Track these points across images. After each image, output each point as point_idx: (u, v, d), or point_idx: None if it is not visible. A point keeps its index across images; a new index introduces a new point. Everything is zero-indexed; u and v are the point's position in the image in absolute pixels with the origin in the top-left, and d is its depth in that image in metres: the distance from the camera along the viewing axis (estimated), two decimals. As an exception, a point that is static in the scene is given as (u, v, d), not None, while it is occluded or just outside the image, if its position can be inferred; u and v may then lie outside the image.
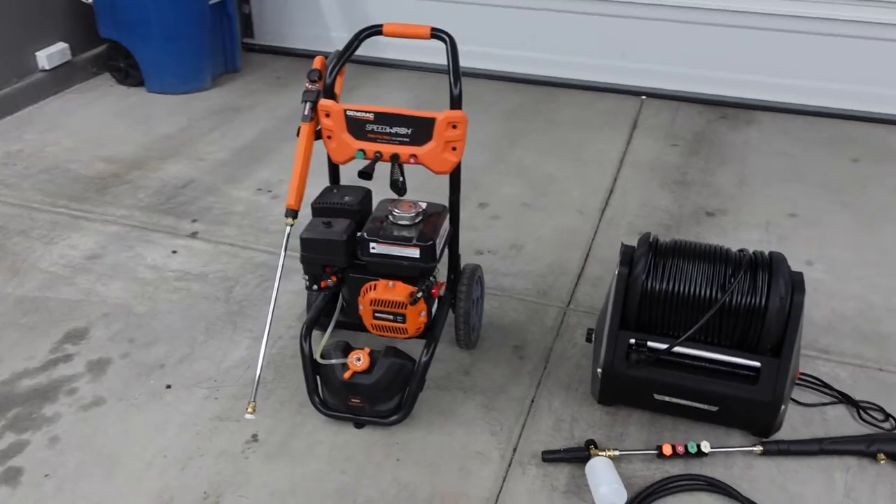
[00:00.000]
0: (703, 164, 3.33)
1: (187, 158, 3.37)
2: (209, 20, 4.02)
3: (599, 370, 1.90)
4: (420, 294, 1.86)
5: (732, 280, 1.77)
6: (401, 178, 1.98)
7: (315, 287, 1.95)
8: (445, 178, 2.00)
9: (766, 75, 3.83)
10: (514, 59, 4.16)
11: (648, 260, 1.84)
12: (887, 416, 1.98)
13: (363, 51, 4.53)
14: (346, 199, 1.98)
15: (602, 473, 1.75)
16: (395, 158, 1.94)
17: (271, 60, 4.56)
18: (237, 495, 1.77)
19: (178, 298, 2.45)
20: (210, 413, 2.00)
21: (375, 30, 2.01)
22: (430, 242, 1.84)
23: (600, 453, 1.83)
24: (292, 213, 1.93)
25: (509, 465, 1.85)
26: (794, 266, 1.84)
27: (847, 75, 3.70)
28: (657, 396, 1.90)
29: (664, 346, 1.81)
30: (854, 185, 3.15)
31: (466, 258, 2.26)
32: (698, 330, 1.78)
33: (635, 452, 1.86)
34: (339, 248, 1.87)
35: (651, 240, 1.90)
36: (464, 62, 4.49)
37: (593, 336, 2.06)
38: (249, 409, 1.85)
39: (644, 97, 4.01)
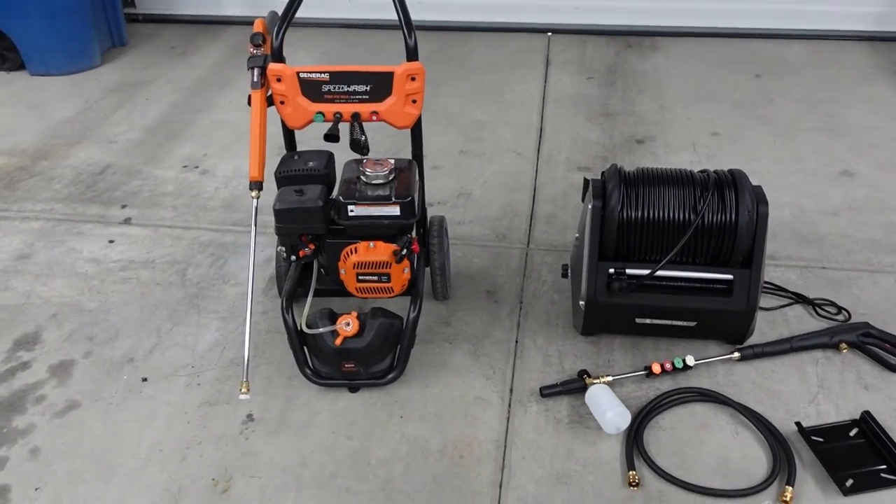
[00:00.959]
0: (622, 94, 3.42)
1: (96, 142, 3.16)
2: (90, -9, 3.75)
3: (582, 303, 1.96)
4: (404, 251, 1.85)
5: (702, 200, 1.85)
6: (363, 137, 1.93)
7: (294, 258, 1.90)
8: (391, 134, 1.98)
9: (663, 1, 3.95)
10: (420, 6, 4.08)
11: (621, 190, 1.89)
12: (840, 308, 2.14)
13: (249, 11, 4.37)
14: (311, 164, 1.93)
15: (604, 399, 1.82)
16: (356, 117, 1.90)
17: (159, 30, 4.32)
18: (248, 476, 1.74)
19: (129, 289, 2.33)
20: (197, 400, 1.94)
21: (317, -15, 1.93)
22: (410, 198, 1.82)
23: (595, 381, 1.90)
24: (257, 185, 1.86)
25: (510, 406, 1.90)
26: (750, 180, 1.95)
27: (739, -5, 3.88)
28: (638, 320, 1.98)
29: (645, 273, 1.89)
30: (763, 100, 3.33)
31: (428, 211, 2.25)
32: (676, 252, 1.86)
33: (626, 375, 1.94)
34: (317, 215, 1.82)
35: (619, 169, 1.95)
36: (366, 14, 4.42)
37: (569, 271, 2.12)
38: (244, 389, 1.80)
39: (550, 34, 4.06)
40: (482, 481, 1.71)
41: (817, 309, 2.15)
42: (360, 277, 1.89)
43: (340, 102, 1.88)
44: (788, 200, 2.63)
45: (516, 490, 1.69)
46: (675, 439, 1.79)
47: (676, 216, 1.86)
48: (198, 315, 2.22)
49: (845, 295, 2.20)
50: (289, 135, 2.04)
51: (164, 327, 2.18)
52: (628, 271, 1.92)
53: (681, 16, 3.97)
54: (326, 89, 1.87)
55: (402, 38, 1.85)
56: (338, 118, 1.88)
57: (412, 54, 1.88)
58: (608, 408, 1.79)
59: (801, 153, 2.92)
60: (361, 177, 1.86)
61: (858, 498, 1.63)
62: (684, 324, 1.97)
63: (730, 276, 1.90)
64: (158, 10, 4.41)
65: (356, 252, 1.87)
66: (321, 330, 1.85)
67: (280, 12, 2.02)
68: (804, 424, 1.78)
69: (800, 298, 2.18)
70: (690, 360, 1.95)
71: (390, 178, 1.86)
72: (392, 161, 1.91)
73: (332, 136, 1.84)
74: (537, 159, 2.94)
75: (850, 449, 1.74)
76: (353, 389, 1.94)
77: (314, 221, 1.83)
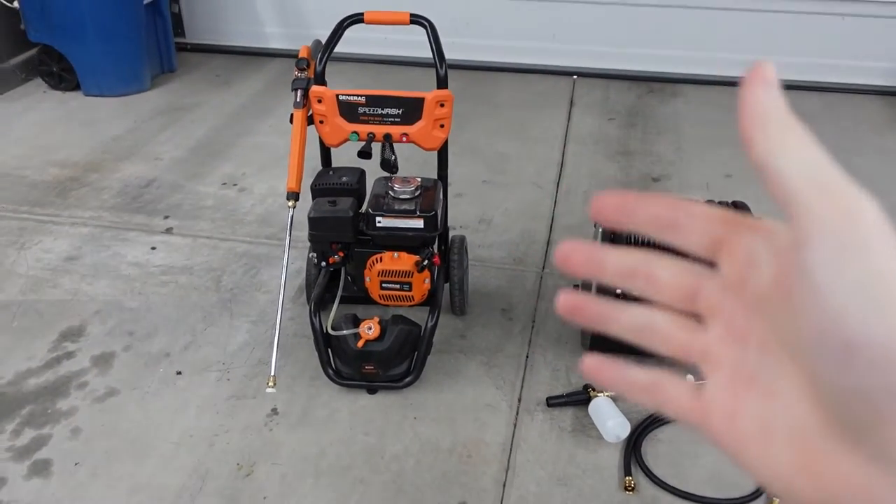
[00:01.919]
0: (642, 135, 3.58)
1: (143, 158, 3.37)
2: (144, 19, 4.00)
3: (590, 320, 2.08)
4: (425, 262, 2.00)
5: (705, 228, 1.99)
6: (393, 157, 2.10)
7: (324, 264, 2.06)
8: (421, 157, 2.14)
9: (685, 50, 4.12)
10: (450, 46, 4.29)
11: (630, 216, 2.03)
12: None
13: (291, 45, 4.60)
14: (344, 179, 2.10)
15: (606, 410, 1.94)
16: (387, 138, 2.06)
17: (206, 59, 4.56)
18: (270, 463, 1.87)
19: (167, 291, 2.50)
20: (226, 393, 2.08)
21: (357, 18, 2.11)
22: (433, 213, 1.97)
23: (599, 394, 2.01)
24: (294, 196, 2.03)
25: (517, 413, 2.02)
26: (754, 213, 2.08)
27: (757, 47, 4.04)
28: (643, 339, 2.10)
29: (649, 292, 2.01)
30: (776, 147, 3.46)
31: (450, 231, 2.41)
32: (678, 275, 1.99)
33: (629, 390, 2.05)
34: (347, 224, 1.99)
35: (629, 198, 2.09)
36: (399, 51, 4.62)
37: (581, 289, 2.25)
38: (270, 383, 1.95)
39: (576, 77, 4.24)
40: (487, 479, 1.83)
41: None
42: (384, 285, 2.04)
43: (374, 124, 2.06)
44: None
45: (519, 489, 1.80)
46: (672, 451, 1.90)
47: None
48: (230, 318, 2.37)
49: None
50: (325, 152, 2.22)
51: (198, 327, 2.33)
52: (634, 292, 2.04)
53: (702, 65, 4.13)
54: (362, 111, 2.05)
55: (434, 69, 2.03)
56: (371, 137, 2.05)
57: (442, 82, 2.05)
58: (609, 417, 1.91)
59: (811, 197, 3.04)
60: (390, 192, 2.02)
61: (843, 512, 1.73)
62: (686, 345, 2.09)
63: (730, 301, 2.02)
64: (206, 41, 4.66)
65: (381, 261, 2.02)
66: (345, 332, 2.00)
67: (323, 41, 2.22)
68: (795, 443, 1.88)
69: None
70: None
71: (416, 195, 2.02)
72: (419, 179, 2.07)
73: (365, 154, 2.01)
74: (556, 192, 3.09)
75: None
76: (372, 391, 2.08)
77: (344, 230, 1.99)
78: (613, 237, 2.03)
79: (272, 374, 1.95)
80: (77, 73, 3.98)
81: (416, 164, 2.53)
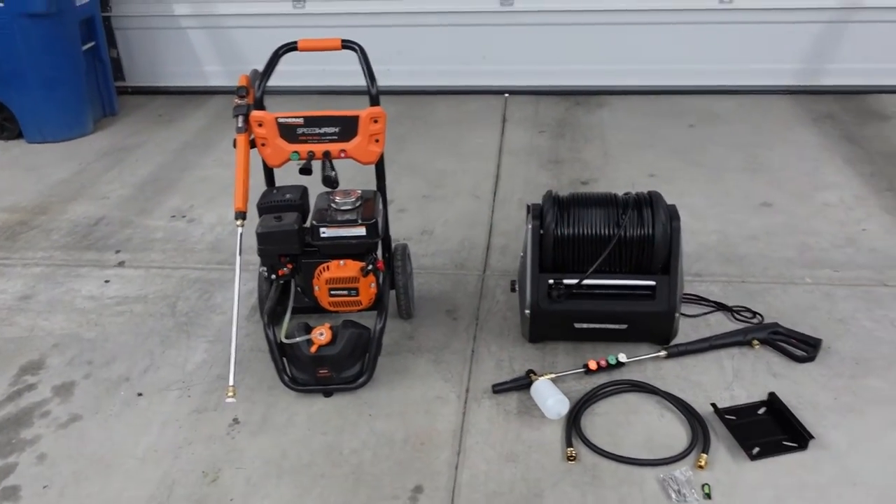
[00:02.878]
0: (570, 145, 3.78)
1: (90, 199, 3.45)
2: (83, 65, 4.09)
3: (527, 311, 2.24)
4: (370, 267, 2.13)
5: (624, 217, 2.17)
6: (333, 173, 2.24)
7: (274, 276, 2.18)
8: (359, 172, 2.29)
9: (609, 64, 4.38)
10: (385, 74, 4.48)
11: (555, 211, 2.20)
12: (754, 313, 2.44)
13: (231, 81, 4.73)
14: (288, 196, 2.23)
15: (546, 390, 2.09)
16: (326, 155, 2.20)
17: (147, 101, 4.66)
18: (234, 468, 1.97)
19: (123, 321, 2.58)
20: (187, 409, 2.18)
21: (291, 46, 2.26)
22: (374, 220, 2.12)
23: (540, 377, 2.16)
24: (241, 215, 2.15)
25: (466, 402, 2.15)
26: (668, 201, 2.27)
27: (675, 56, 4.31)
28: (577, 325, 2.27)
29: (577, 280, 2.18)
30: (695, 147, 3.70)
31: (393, 241, 2.55)
32: (603, 262, 2.16)
33: (567, 373, 2.21)
34: (293, 237, 2.11)
35: (553, 195, 2.27)
36: (335, 82, 4.78)
37: (516, 286, 2.41)
38: (230, 393, 2.06)
39: (507, 95, 4.45)
40: (440, 463, 1.96)
41: (735, 314, 2.45)
42: (332, 292, 2.17)
43: (313, 143, 2.20)
44: (715, 228, 2.96)
45: (470, 469, 1.93)
46: (608, 422, 2.05)
47: (602, 231, 2.17)
48: (187, 339, 2.47)
49: (760, 302, 2.50)
50: (268, 173, 2.35)
51: (156, 351, 2.42)
52: (565, 281, 2.21)
53: (625, 76, 4.39)
54: (301, 132, 2.19)
55: (367, 90, 2.18)
56: (311, 156, 2.19)
57: (374, 100, 2.21)
58: (549, 396, 2.06)
59: (728, 189, 3.27)
60: (332, 204, 2.16)
61: (762, 462, 1.90)
62: (617, 326, 2.26)
63: (652, 282, 2.20)
64: (146, 83, 4.77)
65: (328, 269, 2.15)
66: (298, 339, 2.11)
67: (257, 69, 2.36)
68: (719, 406, 2.06)
69: (720, 306, 2.48)
70: (623, 357, 2.22)
71: (357, 205, 2.16)
72: (359, 191, 2.21)
73: (306, 170, 2.15)
74: (493, 201, 3.26)
75: (757, 424, 2.01)
76: (327, 394, 2.19)
77: (291, 242, 2.12)
78: (542, 235, 2.20)
79: (231, 384, 2.06)
80: (19, 122, 4.04)
81: (354, 180, 2.67)
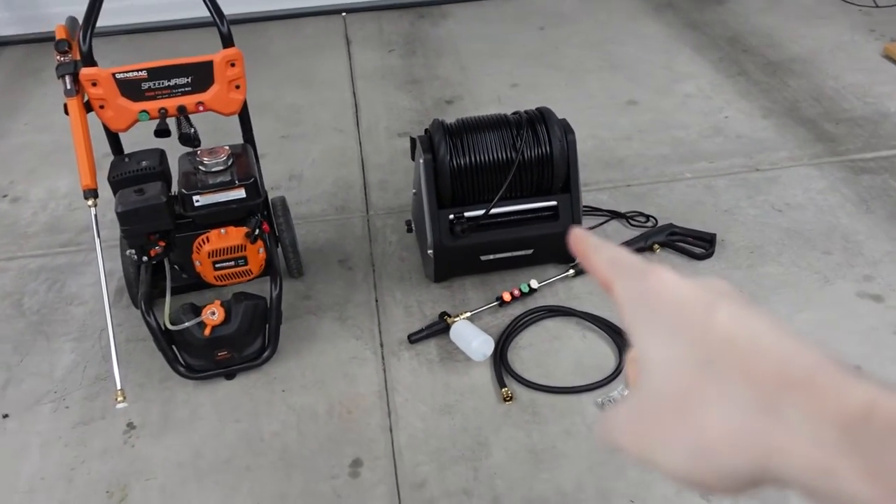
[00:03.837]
0: (424, 61, 3.60)
1: None
2: None
3: (430, 251, 2.11)
4: (256, 231, 1.90)
5: (520, 138, 2.05)
6: (192, 130, 1.96)
7: (145, 258, 1.90)
8: (215, 125, 2.02)
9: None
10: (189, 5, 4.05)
11: (447, 141, 2.05)
12: (647, 217, 2.45)
13: (25, 29, 4.12)
14: (144, 163, 1.92)
15: (467, 332, 1.99)
16: (182, 110, 1.91)
17: (-79, 61, 3.94)
18: (143, 480, 1.74)
19: (-39, 331, 2.19)
20: (69, 422, 1.89)
21: (114, -15, 1.91)
22: (252, 179, 1.87)
23: (456, 319, 2.06)
24: (92, 193, 1.83)
25: (384, 358, 2.02)
26: (557, 115, 2.18)
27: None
28: (483, 258, 2.16)
29: (482, 212, 2.07)
30: (549, 50, 3.63)
31: (268, 194, 2.30)
32: (504, 188, 2.05)
33: (482, 308, 2.12)
34: (163, 211, 1.83)
35: (442, 123, 2.11)
36: (148, 17, 4.26)
37: (413, 225, 2.26)
38: (119, 398, 1.80)
39: (344, 13, 4.15)
40: (373, 429, 1.82)
41: (629, 220, 2.44)
42: (218, 265, 1.93)
43: (163, 98, 1.89)
44: (588, 133, 2.92)
45: (406, 429, 1.82)
46: (534, 353, 2.00)
47: (500, 156, 2.05)
48: (47, 341, 2.14)
49: (650, 204, 2.51)
50: (114, 139, 2.02)
51: (12, 361, 2.08)
52: (466, 214, 2.09)
53: (463, -18, 4.21)
54: (147, 87, 1.87)
55: (214, 28, 1.89)
56: (164, 113, 1.89)
57: (227, 41, 1.93)
58: (472, 338, 1.96)
59: (591, 90, 3.24)
60: (200, 167, 1.89)
61: (691, 366, 1.92)
62: (523, 253, 2.18)
63: (554, 202, 2.13)
64: (-85, 40, 4.02)
65: (209, 241, 1.90)
66: (188, 324, 1.86)
67: (74, 17, 1.99)
68: (638, 317, 2.05)
69: (613, 214, 2.47)
70: (535, 284, 2.16)
71: (229, 164, 1.90)
72: (227, 147, 1.94)
73: (163, 132, 1.85)
74: (359, 133, 3.05)
75: (677, 328, 2.02)
76: (230, 376, 1.98)
77: (160, 218, 1.84)
78: (436, 168, 2.05)
79: (119, 387, 1.79)
80: None
81: (211, 133, 2.37)
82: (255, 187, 1.88)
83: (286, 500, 1.68)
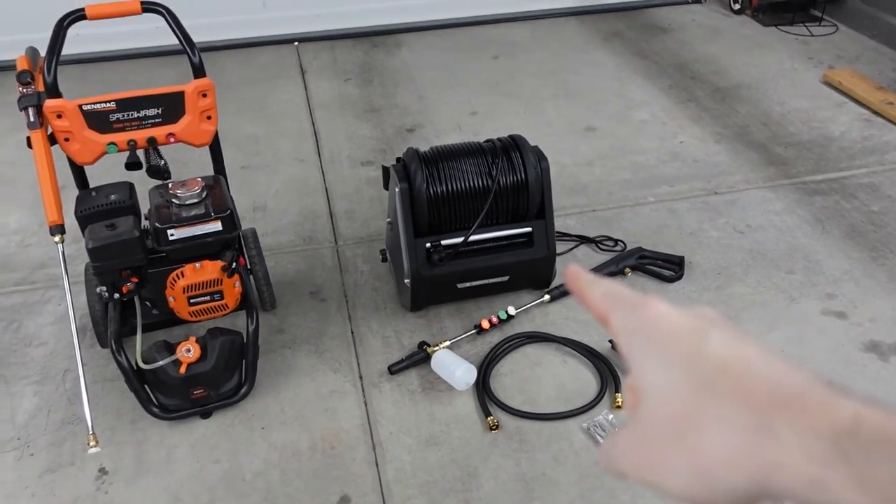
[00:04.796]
0: (381, 90, 3.60)
1: None
2: None
3: (407, 280, 2.09)
4: (234, 265, 1.85)
5: (495, 166, 2.06)
6: (162, 162, 1.91)
7: (117, 295, 1.82)
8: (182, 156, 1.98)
9: (397, 0, 4.19)
10: (154, 33, 3.97)
11: (423, 170, 2.05)
12: (616, 241, 2.48)
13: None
14: (113, 197, 1.86)
15: (449, 361, 1.97)
16: (152, 142, 1.87)
17: None
18: (120, 529, 1.66)
19: None
20: (35, 470, 1.80)
21: (78, 14, 1.85)
22: (228, 211, 1.83)
23: (436, 348, 2.04)
24: (59, 229, 1.76)
25: (364, 390, 1.98)
26: (528, 143, 2.20)
27: (463, -13, 4.23)
28: (460, 285, 2.16)
29: (460, 240, 2.06)
30: (505, 78, 3.68)
31: (237, 226, 2.25)
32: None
33: (461, 337, 2.11)
34: (136, 246, 1.77)
35: (416, 152, 2.10)
36: (94, 47, 4.16)
37: (388, 254, 2.24)
38: (92, 443, 1.74)
39: (297, 43, 4.13)
40: (359, 464, 1.79)
41: (599, 245, 2.47)
42: (193, 300, 1.87)
43: (133, 129, 1.84)
44: (552, 159, 2.92)
45: (392, 462, 1.79)
46: (516, 380, 1.99)
47: (476, 183, 2.06)
48: (6, 385, 2.03)
49: (616, 229, 2.55)
50: (79, 172, 1.95)
51: (-31, 407, 1.97)
52: (444, 242, 2.08)
53: (416, 12, 4.23)
54: (115, 118, 1.82)
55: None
56: (133, 146, 1.84)
57: (199, 71, 1.89)
58: (455, 367, 1.94)
59: (548, 118, 3.29)
60: (173, 200, 1.83)
61: (671, 387, 1.94)
62: (499, 280, 2.18)
63: (529, 229, 2.14)
64: None
65: (184, 276, 1.84)
66: (162, 362, 1.80)
67: (35, 47, 1.93)
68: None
69: (583, 239, 2.50)
70: (512, 310, 2.16)
71: (203, 196, 1.85)
72: (200, 179, 1.90)
73: (134, 164, 1.80)
74: (321, 162, 3.02)
75: (655, 350, 2.05)
76: (206, 415, 1.91)
77: (134, 253, 1.78)
78: (413, 197, 2.04)
79: (90, 431, 1.72)
80: None
81: (177, 164, 2.32)
82: (230, 219, 1.83)
83: (275, 542, 1.62)
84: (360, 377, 2.02)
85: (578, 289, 0.55)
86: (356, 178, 2.89)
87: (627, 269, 2.32)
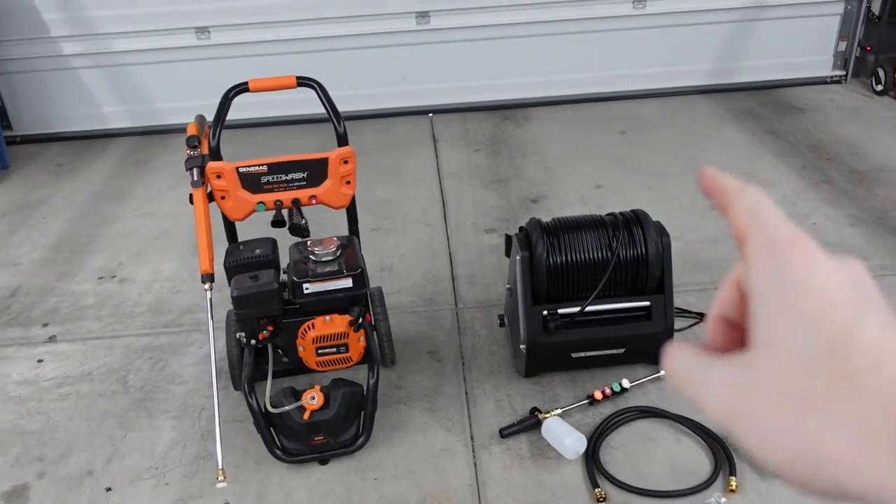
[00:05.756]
0: (508, 161, 3.72)
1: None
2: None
3: (523, 346, 2.14)
4: (360, 320, 1.97)
5: (616, 240, 2.10)
6: (303, 221, 2.07)
7: (254, 342, 1.98)
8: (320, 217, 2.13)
9: (529, 76, 4.35)
10: (303, 102, 4.30)
11: (545, 240, 2.11)
12: (738, 320, 2.43)
13: (133, 122, 4.41)
14: (258, 251, 2.03)
15: (560, 429, 1.99)
16: (296, 203, 2.04)
17: (42, 149, 4.28)
18: (239, 562, 1.77)
19: (70, 405, 2.30)
20: (169, 499, 1.94)
21: (242, 88, 2.08)
22: (360, 270, 1.96)
23: (547, 415, 2.07)
24: (209, 278, 1.95)
25: (474, 451, 2.03)
26: (650, 218, 2.23)
27: (596, 64, 4.33)
28: (574, 355, 2.18)
29: (576, 310, 2.10)
30: (631, 153, 3.72)
31: (365, 284, 2.38)
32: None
33: (573, 406, 2.12)
34: (274, 297, 1.93)
35: (538, 222, 2.18)
36: (249, 114, 4.53)
37: (506, 320, 2.30)
38: (220, 477, 1.85)
39: (431, 114, 4.35)
40: (465, 523, 1.82)
41: (720, 323, 2.43)
42: (320, 351, 2.00)
43: (279, 191, 2.02)
44: (675, 235, 2.91)
45: (498, 525, 1.81)
46: (627, 454, 1.98)
47: (595, 255, 2.10)
48: (149, 418, 2.22)
49: (740, 308, 2.50)
50: (230, 227, 2.15)
51: (116, 435, 2.16)
52: (560, 311, 2.12)
53: (547, 88, 4.38)
54: (266, 180, 2.01)
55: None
56: (279, 205, 2.01)
57: (342, 140, 2.06)
58: (565, 436, 1.96)
59: (674, 194, 3.29)
60: (310, 256, 1.98)
61: (791, 476, 1.87)
62: (614, 351, 2.19)
63: (647, 303, 2.15)
64: (38, 130, 4.36)
65: (314, 328, 1.98)
66: (288, 407, 1.92)
67: (203, 115, 2.16)
68: (733, 422, 2.02)
69: (702, 316, 2.47)
70: (626, 383, 2.16)
71: (338, 255, 1.99)
72: (336, 238, 2.04)
73: (279, 222, 1.97)
74: (446, 227, 3.15)
75: (775, 436, 1.98)
76: (324, 462, 2.01)
77: (272, 303, 1.93)
78: (533, 265, 2.10)
79: (220, 467, 1.85)
80: None
81: (314, 224, 2.49)
82: (361, 277, 1.96)
83: (380, 591, 1.68)
84: (472, 438, 2.07)
85: (720, 191, 0.47)
86: (479, 245, 2.99)
87: (749, 350, 2.27)
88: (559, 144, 3.86)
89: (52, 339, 2.61)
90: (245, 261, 2.01)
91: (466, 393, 2.23)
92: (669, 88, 4.37)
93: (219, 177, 2.00)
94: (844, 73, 4.39)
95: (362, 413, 2.02)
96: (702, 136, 3.83)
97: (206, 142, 2.04)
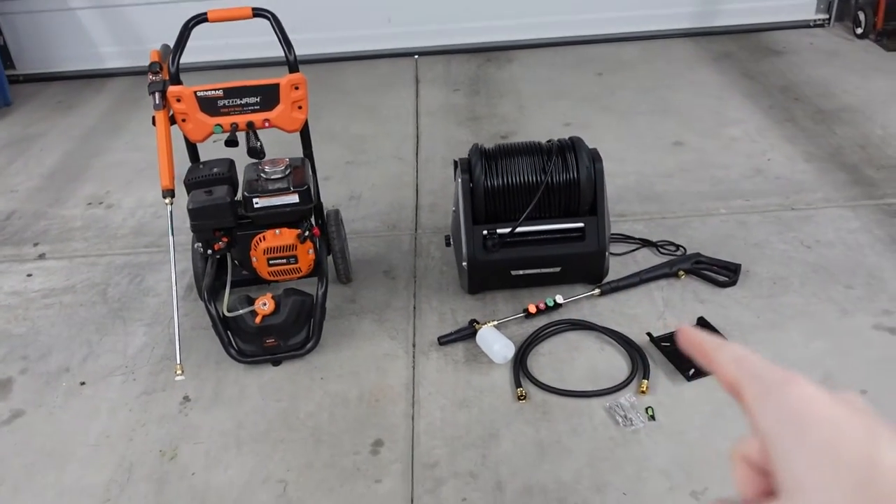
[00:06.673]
0: (486, 101, 3.84)
1: (-3, 193, 3.30)
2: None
3: (465, 263, 2.30)
4: (306, 233, 2.14)
5: (549, 164, 2.24)
6: (258, 143, 2.23)
7: (209, 251, 2.16)
8: (282, 142, 2.29)
9: (515, 19, 4.43)
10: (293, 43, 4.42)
11: (483, 164, 2.26)
12: (677, 246, 2.57)
13: (130, 62, 4.54)
14: (215, 170, 2.20)
15: (491, 336, 2.16)
16: (250, 126, 2.19)
17: (42, 88, 4.46)
18: (192, 443, 1.97)
19: (53, 313, 2.51)
20: (134, 392, 2.15)
21: (201, 18, 2.22)
22: (306, 187, 2.12)
23: (484, 325, 2.23)
24: (169, 193, 2.12)
25: (414, 356, 2.21)
26: (589, 145, 2.36)
27: (578, 7, 4.40)
28: (513, 272, 2.34)
29: (510, 230, 2.25)
30: (605, 94, 3.82)
31: (324, 207, 2.55)
32: (533, 208, 2.24)
33: (509, 318, 2.29)
34: (226, 210, 2.10)
35: (480, 148, 2.32)
36: (235, 55, 4.65)
37: (451, 240, 2.46)
38: (179, 371, 2.06)
39: (416, 56, 4.46)
40: (397, 415, 2.01)
41: (659, 248, 2.58)
42: (271, 262, 2.17)
43: (235, 114, 2.18)
44: (632, 169, 3.08)
45: (425, 418, 2.00)
46: (552, 360, 2.15)
47: (529, 179, 2.24)
48: (124, 325, 2.42)
49: (681, 236, 2.64)
50: (192, 148, 2.31)
51: (93, 339, 2.37)
52: (498, 231, 2.28)
53: (531, 30, 4.46)
54: (222, 104, 2.16)
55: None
56: (234, 127, 2.17)
57: (293, 67, 2.20)
58: (494, 341, 2.13)
59: (640, 131, 3.40)
60: (262, 174, 2.15)
61: (698, 382, 2.03)
62: (551, 270, 2.34)
63: (581, 224, 2.29)
64: (40, 70, 4.54)
65: (265, 239, 2.15)
66: (241, 311, 2.11)
67: (168, 44, 2.31)
68: (654, 335, 2.18)
69: (644, 243, 2.61)
70: (560, 299, 2.32)
71: (287, 173, 2.16)
72: (287, 159, 2.20)
73: (232, 142, 2.13)
74: (417, 161, 3.29)
75: (689, 346, 2.14)
76: (276, 363, 2.21)
77: (224, 215, 2.11)
78: (473, 188, 2.25)
79: (178, 362, 2.05)
80: None
81: (276, 145, 2.65)
82: (307, 194, 2.12)
83: (312, 469, 1.88)
84: (413, 345, 2.25)
85: (702, 351, 0.48)
86: (445, 177, 3.14)
87: (681, 272, 2.41)
88: (536, 85, 3.97)
89: (41, 256, 2.82)
90: (203, 178, 2.18)
91: (415, 307, 2.41)
92: (651, 31, 4.43)
93: (179, 100, 2.15)
94: (828, 16, 4.42)
95: (312, 320, 2.20)
96: (677, 78, 3.91)
97: (167, 68, 2.19)
